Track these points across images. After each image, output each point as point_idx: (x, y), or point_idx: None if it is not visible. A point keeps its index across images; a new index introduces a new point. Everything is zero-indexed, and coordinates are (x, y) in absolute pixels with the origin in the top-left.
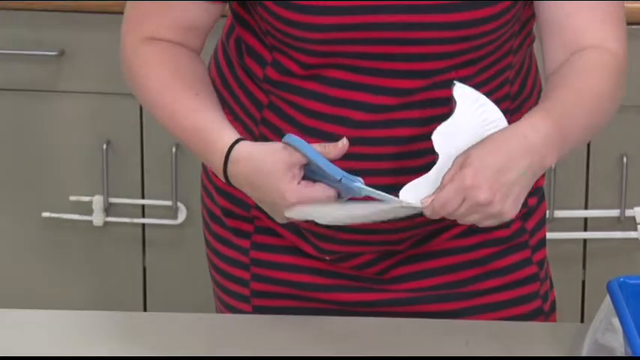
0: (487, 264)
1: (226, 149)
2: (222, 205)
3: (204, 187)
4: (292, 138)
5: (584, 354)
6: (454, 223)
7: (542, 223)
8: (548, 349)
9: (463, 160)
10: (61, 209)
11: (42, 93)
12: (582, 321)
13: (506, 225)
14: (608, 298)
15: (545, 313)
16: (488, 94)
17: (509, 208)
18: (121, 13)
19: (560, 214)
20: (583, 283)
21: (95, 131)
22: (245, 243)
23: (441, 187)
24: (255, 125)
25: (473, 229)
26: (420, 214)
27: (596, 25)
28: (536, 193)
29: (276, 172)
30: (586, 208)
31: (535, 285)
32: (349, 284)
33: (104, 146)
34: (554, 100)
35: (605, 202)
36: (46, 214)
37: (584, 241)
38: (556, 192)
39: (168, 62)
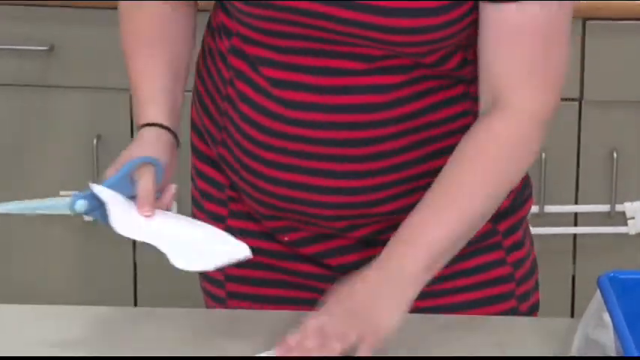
0: (455, 264)
1: (139, 126)
2: (200, 187)
3: (191, 172)
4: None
5: (574, 349)
6: None
7: (518, 225)
8: (538, 344)
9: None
10: None
11: (32, 88)
12: (572, 316)
13: None
14: (598, 294)
15: (521, 313)
16: (438, 88)
17: (381, 331)
18: (111, 8)
19: (550, 209)
20: (573, 278)
21: (85, 126)
22: (220, 227)
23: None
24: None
25: None
26: None
27: (515, 75)
28: (507, 195)
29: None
30: (576, 203)
31: (509, 285)
32: (324, 273)
33: (94, 141)
34: (435, 236)
35: (595, 197)
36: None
37: (574, 236)
38: (546, 187)
39: (148, 20)
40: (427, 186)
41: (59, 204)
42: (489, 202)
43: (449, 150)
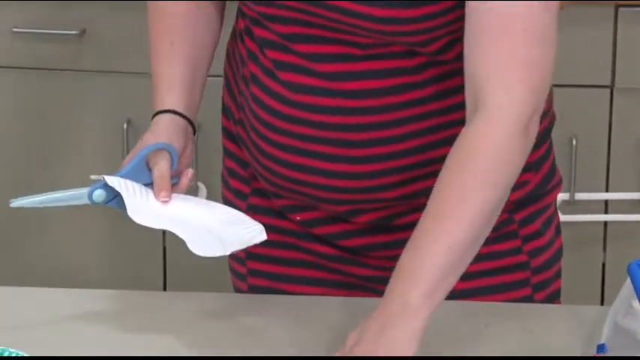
0: None
1: (155, 112)
2: (228, 165)
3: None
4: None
5: (603, 337)
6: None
7: (536, 215)
8: (567, 332)
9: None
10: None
11: (63, 72)
12: (602, 304)
13: None
14: (628, 281)
15: (537, 302)
16: (440, 77)
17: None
18: None
19: (580, 196)
20: (603, 265)
21: (116, 110)
22: (242, 205)
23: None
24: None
25: None
26: None
27: (496, 77)
28: (518, 187)
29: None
30: (607, 190)
31: (524, 273)
32: (337, 254)
33: (125, 125)
34: (429, 276)
35: (625, 184)
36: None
37: (605, 223)
38: (577, 174)
39: (173, 8)
40: (430, 174)
41: (77, 195)
42: (483, 214)
43: (452, 139)
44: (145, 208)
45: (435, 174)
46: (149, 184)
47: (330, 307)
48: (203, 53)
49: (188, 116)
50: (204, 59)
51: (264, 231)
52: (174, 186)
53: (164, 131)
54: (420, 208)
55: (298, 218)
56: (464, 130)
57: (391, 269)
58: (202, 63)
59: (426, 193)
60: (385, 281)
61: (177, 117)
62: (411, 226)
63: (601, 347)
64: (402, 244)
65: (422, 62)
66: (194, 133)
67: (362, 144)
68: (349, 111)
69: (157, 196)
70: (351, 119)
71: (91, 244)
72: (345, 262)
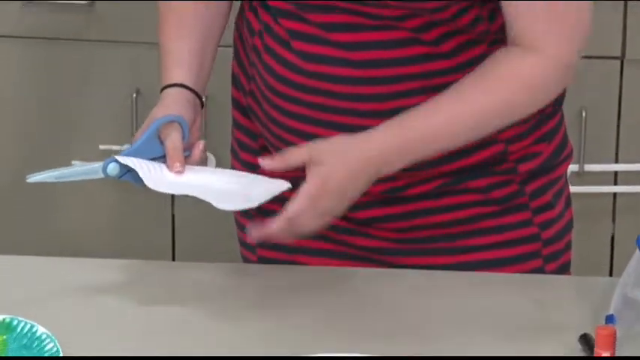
0: (479, 222)
1: (163, 86)
2: (237, 137)
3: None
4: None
5: (612, 308)
6: (436, 187)
7: (548, 187)
8: (576, 303)
9: (314, 163)
10: (91, 158)
11: (72, 42)
12: (611, 275)
13: (500, 186)
14: (637, 253)
15: (547, 273)
16: (454, 51)
17: (340, 211)
18: None
19: (590, 167)
20: (612, 237)
21: (125, 80)
22: None
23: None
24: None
25: (457, 190)
26: None
27: (537, 26)
28: (530, 158)
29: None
30: (616, 162)
31: (535, 245)
32: (345, 225)
33: (134, 95)
34: (411, 122)
35: (635, 156)
36: (75, 162)
37: (614, 195)
38: (586, 146)
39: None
40: None
41: (92, 170)
42: (485, 123)
43: None
44: (161, 178)
45: None
46: (161, 158)
47: (337, 278)
48: (213, 27)
49: (196, 90)
50: (214, 34)
51: (285, 182)
52: (186, 158)
53: (173, 104)
54: (434, 177)
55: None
56: (501, 56)
57: (398, 241)
58: (212, 37)
59: (442, 161)
60: (392, 252)
61: (185, 90)
62: (422, 197)
63: (610, 318)
64: (411, 215)
65: (439, 34)
66: (202, 107)
67: (375, 114)
68: (363, 81)
69: (170, 167)
70: (365, 89)
71: (99, 214)
72: (353, 234)
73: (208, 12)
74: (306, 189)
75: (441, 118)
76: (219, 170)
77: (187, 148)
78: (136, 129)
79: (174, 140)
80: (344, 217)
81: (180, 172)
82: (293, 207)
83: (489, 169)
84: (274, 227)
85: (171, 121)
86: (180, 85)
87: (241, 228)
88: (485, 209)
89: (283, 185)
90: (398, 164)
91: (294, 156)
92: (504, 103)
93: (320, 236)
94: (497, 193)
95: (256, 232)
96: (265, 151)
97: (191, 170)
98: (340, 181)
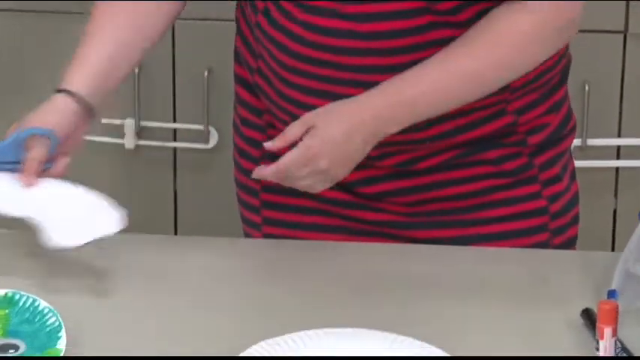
0: (490, 194)
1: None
2: (241, 113)
3: (234, 100)
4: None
5: (614, 283)
6: (450, 159)
7: (556, 160)
8: (578, 278)
9: (310, 128)
10: (93, 132)
11: (74, 15)
12: (613, 250)
13: (511, 158)
14: (639, 228)
15: (554, 247)
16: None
17: (342, 173)
18: None
19: (592, 142)
20: (615, 211)
21: None
22: (257, 153)
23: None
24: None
25: (470, 162)
26: None
27: None
28: (539, 130)
29: None
30: (619, 136)
31: (542, 218)
32: (354, 200)
33: (136, 69)
34: (411, 79)
35: (638, 129)
36: None
37: (617, 169)
38: (589, 120)
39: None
40: (458, 114)
41: None
42: (478, 81)
43: None
44: (8, 193)
45: (462, 113)
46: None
47: (344, 253)
48: (138, 35)
49: (90, 99)
50: (140, 42)
51: (120, 220)
52: (46, 170)
53: (52, 113)
54: (445, 149)
55: None
56: (497, 13)
57: (408, 214)
58: (133, 47)
59: (453, 133)
60: (402, 226)
61: (71, 100)
62: (433, 170)
63: (612, 293)
64: (423, 189)
65: (455, 4)
66: (93, 116)
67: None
68: (372, 52)
69: (20, 177)
70: (374, 60)
71: (101, 188)
72: (363, 209)
73: (138, 19)
74: (301, 145)
75: (436, 74)
76: (69, 189)
77: (50, 161)
78: (139, 103)
79: (34, 153)
80: (354, 192)
81: (29, 186)
82: (286, 158)
83: (499, 141)
84: (267, 171)
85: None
86: (72, 92)
87: (244, 205)
88: (497, 181)
89: (115, 227)
90: (396, 123)
91: (291, 130)
92: (505, 56)
93: (327, 212)
94: (509, 165)
95: (255, 173)
96: (271, 127)
97: (43, 185)
98: (335, 141)
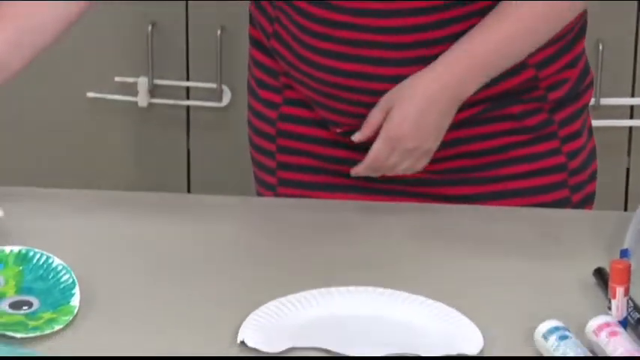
0: (511, 151)
1: None
2: (257, 75)
3: (248, 61)
4: None
5: (626, 242)
6: (476, 114)
7: (577, 116)
8: (590, 237)
9: (387, 112)
10: (106, 90)
11: None
12: (626, 209)
13: (532, 114)
14: None
15: (573, 204)
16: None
17: (434, 144)
18: None
19: (606, 101)
20: (628, 171)
21: (140, 12)
22: (273, 114)
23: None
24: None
25: (492, 117)
26: None
27: None
28: (559, 85)
29: None
30: (632, 95)
31: (562, 175)
32: None
33: (149, 28)
34: (478, 37)
35: None
36: (91, 95)
37: (630, 128)
38: (602, 79)
39: None
40: None
41: None
42: (547, 20)
43: None
44: None
45: None
46: None
47: (359, 211)
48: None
49: None
50: (43, 29)
51: None
52: None
53: None
54: (469, 105)
55: (339, 131)
56: None
57: (430, 172)
58: (37, 32)
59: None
60: (423, 183)
61: None
62: (457, 126)
63: (624, 252)
64: (445, 145)
65: None
66: None
67: (416, 45)
68: (393, 13)
69: None
70: (396, 22)
71: (115, 146)
72: None
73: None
74: (381, 134)
75: (505, 26)
76: None
77: None
78: (152, 61)
79: None
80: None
81: None
82: (373, 151)
83: (521, 96)
84: (361, 168)
85: None
86: None
87: (258, 166)
88: (518, 138)
89: None
90: (476, 81)
91: (373, 116)
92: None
93: (343, 173)
94: (530, 121)
95: (353, 172)
96: (288, 89)
97: None
98: (413, 118)
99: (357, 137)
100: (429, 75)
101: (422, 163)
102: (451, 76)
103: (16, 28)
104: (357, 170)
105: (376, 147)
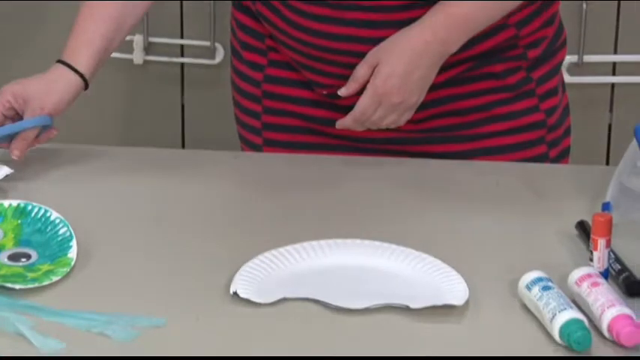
0: (493, 109)
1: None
2: (241, 38)
3: (231, 23)
4: None
5: (608, 196)
6: (461, 73)
7: (553, 73)
8: (574, 191)
9: (374, 68)
10: None
11: None
12: (608, 164)
13: (513, 72)
14: (634, 142)
15: (551, 159)
16: None
17: (417, 99)
18: None
19: (589, 58)
20: (609, 126)
21: None
22: (258, 76)
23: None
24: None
25: (476, 76)
26: None
27: None
28: (538, 44)
29: None
30: (615, 52)
31: (541, 131)
32: None
33: None
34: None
35: (634, 46)
36: None
37: (612, 85)
38: (586, 37)
39: None
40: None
41: None
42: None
43: None
44: None
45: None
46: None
47: (345, 167)
48: (129, 17)
49: (90, 77)
50: (128, 24)
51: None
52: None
53: (55, 92)
54: (453, 65)
55: (324, 92)
56: None
57: (413, 131)
58: (124, 28)
59: (461, 47)
60: (407, 142)
61: (75, 79)
62: (442, 85)
63: (606, 205)
64: (430, 104)
65: None
66: (86, 88)
67: (400, 8)
68: None
69: (10, 151)
70: None
71: (111, 103)
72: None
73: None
74: (368, 89)
75: None
76: None
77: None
78: (147, 19)
79: (27, 135)
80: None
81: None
82: (359, 105)
83: (502, 55)
84: (348, 121)
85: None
86: (77, 71)
87: (244, 127)
88: (499, 96)
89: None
90: (457, 38)
91: (359, 72)
92: None
93: (328, 134)
94: (511, 79)
95: (339, 124)
96: (273, 51)
97: None
98: (400, 74)
99: (343, 92)
100: (413, 32)
101: (406, 117)
102: (434, 34)
103: (120, 4)
104: (343, 122)
105: (363, 102)
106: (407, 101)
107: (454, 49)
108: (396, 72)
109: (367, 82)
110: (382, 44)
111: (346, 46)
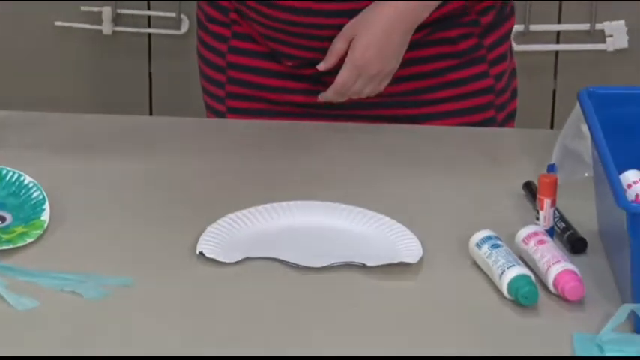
0: (444, 75)
1: None
2: (206, 10)
3: None
4: None
5: (553, 158)
6: (419, 39)
7: (504, 39)
8: (523, 154)
9: (350, 41)
10: (73, 19)
11: None
12: (552, 128)
13: (465, 38)
14: (577, 107)
15: (498, 122)
16: None
17: (395, 65)
18: None
19: (534, 27)
20: (554, 92)
21: None
22: (223, 47)
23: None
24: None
25: (432, 41)
26: None
27: None
28: (490, 10)
29: None
30: (559, 22)
31: (490, 96)
32: (317, 89)
33: None
34: None
35: (576, 16)
36: (58, 23)
37: (556, 53)
38: (531, 6)
39: None
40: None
41: None
42: None
43: None
44: None
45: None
46: None
47: (306, 132)
48: None
49: None
50: None
51: None
52: None
53: None
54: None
55: (290, 64)
56: None
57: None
58: None
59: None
60: (360, 106)
61: None
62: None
63: (551, 167)
64: None
65: None
66: None
67: None
68: None
69: None
70: None
71: (81, 73)
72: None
73: None
74: (347, 62)
75: None
76: None
77: None
78: None
79: None
80: (319, 82)
81: None
82: (339, 78)
83: (457, 20)
84: (329, 93)
85: None
86: None
87: (209, 95)
88: (451, 62)
89: None
90: (427, 7)
91: (336, 46)
92: None
93: (293, 102)
94: (463, 45)
95: (320, 97)
96: (236, 24)
97: None
98: (376, 45)
99: (322, 66)
100: (386, 4)
101: (384, 85)
102: (406, 4)
103: None
104: (325, 95)
105: (343, 74)
106: (385, 69)
107: (426, 14)
108: (372, 43)
109: (345, 54)
110: (357, 17)
111: (312, 20)
